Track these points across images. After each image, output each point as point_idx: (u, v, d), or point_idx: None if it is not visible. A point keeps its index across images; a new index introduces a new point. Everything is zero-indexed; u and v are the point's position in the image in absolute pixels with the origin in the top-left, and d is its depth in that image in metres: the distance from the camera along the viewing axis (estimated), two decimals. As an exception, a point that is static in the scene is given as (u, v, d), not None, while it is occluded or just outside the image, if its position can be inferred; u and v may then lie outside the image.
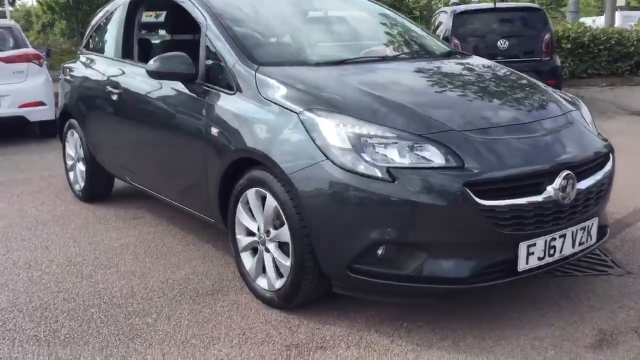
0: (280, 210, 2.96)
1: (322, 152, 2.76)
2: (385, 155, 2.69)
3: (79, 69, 5.09)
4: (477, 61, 3.94)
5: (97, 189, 5.14)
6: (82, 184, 5.13)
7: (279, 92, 3.10)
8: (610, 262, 3.62)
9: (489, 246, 2.70)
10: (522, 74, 3.79)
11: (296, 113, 2.93)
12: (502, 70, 3.80)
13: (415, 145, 2.71)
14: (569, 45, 12.17)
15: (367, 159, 2.68)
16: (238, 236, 3.33)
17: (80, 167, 5.13)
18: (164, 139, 3.86)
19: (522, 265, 2.76)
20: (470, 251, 2.70)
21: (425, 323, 2.96)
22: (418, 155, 2.70)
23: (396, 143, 2.72)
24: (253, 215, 3.21)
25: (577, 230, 2.92)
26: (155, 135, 3.96)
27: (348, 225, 2.70)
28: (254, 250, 3.28)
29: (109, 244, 4.19)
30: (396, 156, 2.69)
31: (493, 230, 2.65)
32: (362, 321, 3.00)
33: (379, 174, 2.65)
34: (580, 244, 2.96)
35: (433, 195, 2.60)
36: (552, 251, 2.83)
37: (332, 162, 2.73)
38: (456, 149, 2.71)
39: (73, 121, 5.10)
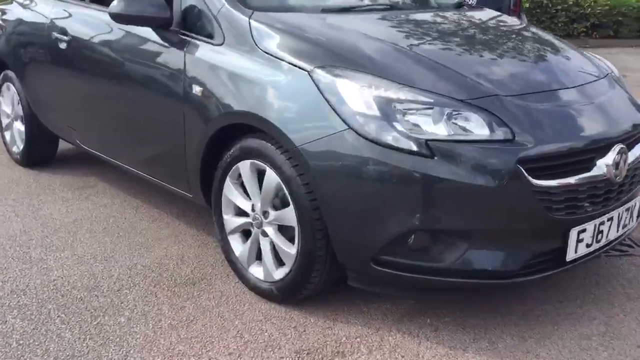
0: (285, 188, 2.45)
1: (342, 120, 2.26)
2: (419, 125, 2.22)
3: (15, 11, 4.33)
4: (495, 16, 3.47)
5: (39, 152, 4.46)
6: (21, 147, 4.43)
7: (282, 44, 2.56)
8: (628, 241, 3.31)
9: (539, 234, 2.30)
10: (547, 33, 3.36)
11: (306, 71, 2.40)
12: (531, 28, 3.35)
13: (455, 113, 2.25)
14: (527, 5, 11.90)
15: (400, 128, 2.20)
16: (225, 216, 2.80)
17: (19, 126, 4.41)
18: (128, 97, 3.24)
19: (570, 255, 2.38)
20: (517, 240, 2.28)
21: (452, 319, 2.55)
22: (458, 125, 2.24)
23: (432, 109, 2.25)
24: (246, 192, 2.69)
25: (622, 211, 2.55)
26: (116, 92, 3.33)
27: (375, 209, 2.23)
28: (246, 234, 2.77)
29: (59, 219, 3.57)
30: (433, 126, 2.22)
31: (545, 215, 2.24)
32: (379, 318, 2.57)
33: (415, 148, 2.17)
34: (623, 226, 2.60)
35: (480, 175, 2.16)
36: (599, 236, 2.46)
37: (356, 132, 2.23)
38: (504, 118, 2.26)
39: (9, 73, 4.35)
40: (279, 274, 2.59)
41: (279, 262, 2.62)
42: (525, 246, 2.29)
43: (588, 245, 2.42)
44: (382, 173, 2.20)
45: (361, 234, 2.29)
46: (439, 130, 2.21)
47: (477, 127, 2.23)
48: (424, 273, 2.28)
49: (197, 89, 2.76)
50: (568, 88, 2.57)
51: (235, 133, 2.68)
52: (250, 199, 2.68)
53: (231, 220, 2.78)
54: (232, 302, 2.68)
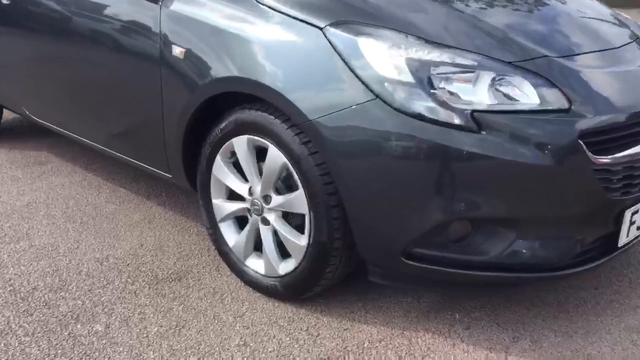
0: (293, 170, 2.07)
1: (367, 87, 1.87)
2: (460, 93, 1.86)
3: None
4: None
5: (-20, 125, 3.91)
6: (-42, 118, 3.87)
7: (287, -5, 2.13)
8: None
9: (593, 218, 1.99)
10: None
11: (319, 28, 1.99)
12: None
13: (501, 78, 1.89)
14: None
15: (439, 97, 1.84)
16: (215, 201, 2.40)
17: (-46, 95, 3.84)
18: (90, 60, 2.76)
19: (623, 239, 2.09)
20: (568, 227, 1.97)
21: (482, 314, 2.24)
22: (505, 92, 1.88)
23: (475, 74, 1.88)
24: (241, 173, 2.29)
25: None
26: (75, 54, 2.84)
27: (409, 194, 1.88)
28: (241, 221, 2.38)
29: (10, 204, 3.09)
30: (477, 94, 1.86)
31: (603, 196, 1.93)
32: (401, 315, 2.23)
33: (457, 120, 1.82)
34: (668, 205, 2.33)
35: (534, 152, 1.82)
36: (649, 217, 2.17)
37: (384, 102, 1.85)
38: (559, 84, 1.92)
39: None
40: (285, 268, 2.22)
41: (284, 255, 2.24)
42: (577, 233, 1.98)
43: (639, 228, 2.14)
44: (417, 151, 1.83)
45: (391, 224, 1.93)
46: (483, 98, 1.85)
47: (528, 95, 1.88)
48: (463, 267, 1.94)
49: (177, 51, 2.31)
50: (615, 48, 2.25)
51: (228, 103, 2.26)
52: (246, 180, 2.28)
53: (222, 206, 2.38)
54: (228, 301, 2.30)
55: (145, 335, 2.10)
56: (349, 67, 1.90)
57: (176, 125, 2.40)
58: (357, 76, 1.89)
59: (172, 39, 2.32)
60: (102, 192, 3.23)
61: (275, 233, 2.24)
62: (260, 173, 2.21)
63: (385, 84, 1.86)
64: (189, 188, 2.58)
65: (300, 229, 2.16)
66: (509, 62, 1.92)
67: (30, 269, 2.48)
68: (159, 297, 2.32)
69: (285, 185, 2.18)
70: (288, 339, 2.09)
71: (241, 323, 2.17)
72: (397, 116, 1.84)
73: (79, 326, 2.14)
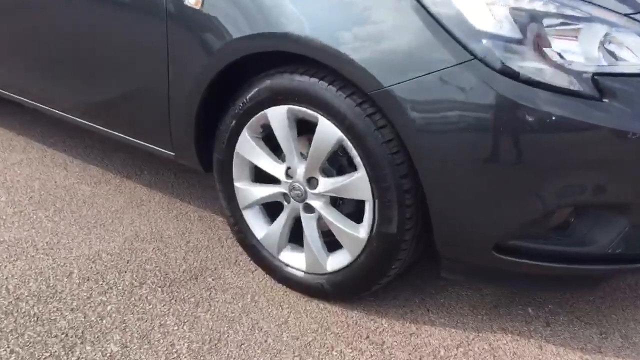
0: (352, 148, 1.69)
1: (462, 45, 1.51)
2: (575, 52, 1.53)
3: None
4: None
5: None
6: None
7: None
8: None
9: None
10: None
11: (392, -30, 1.60)
12: None
13: (613, 34, 1.57)
14: None
15: (551, 57, 1.50)
16: (238, 184, 1.99)
17: None
18: (66, 9, 2.24)
19: None
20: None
21: (557, 307, 1.98)
22: (614, 51, 1.57)
23: (584, 27, 1.56)
24: (276, 151, 1.90)
25: None
26: (49, 7, 2.31)
27: (510, 178, 1.54)
28: (270, 208, 1.99)
29: (-39, 189, 2.56)
30: (587, 52, 1.54)
31: None
32: (468, 312, 1.93)
33: (577, 86, 1.49)
34: None
35: (659, 123, 1.52)
36: None
37: (484, 63, 1.50)
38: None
39: None
40: (334, 263, 1.86)
41: (331, 247, 1.88)
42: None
43: None
44: (524, 124, 1.50)
45: (484, 213, 1.60)
46: (595, 58, 1.53)
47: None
48: (566, 261, 1.64)
49: (191, 0, 1.86)
50: None
51: (257, 66, 1.85)
52: (282, 160, 1.88)
53: (249, 190, 1.98)
54: (263, 304, 1.92)
55: (175, 355, 1.70)
56: (436, 20, 1.53)
57: (187, 94, 1.96)
58: (447, 32, 1.52)
59: (184, -14, 1.87)
60: (70, 171, 2.74)
61: (319, 222, 1.87)
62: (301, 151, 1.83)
63: (484, 41, 1.50)
64: (198, 168, 2.15)
65: (353, 217, 1.81)
66: (626, 15, 1.60)
67: (7, 274, 2.01)
68: (177, 302, 1.91)
69: (336, 166, 1.81)
70: (350, 350, 1.75)
71: (287, 332, 1.80)
72: (499, 81, 1.49)
73: (88, 347, 1.71)
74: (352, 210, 1.85)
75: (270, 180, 1.94)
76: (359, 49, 1.60)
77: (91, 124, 2.39)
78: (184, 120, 2.03)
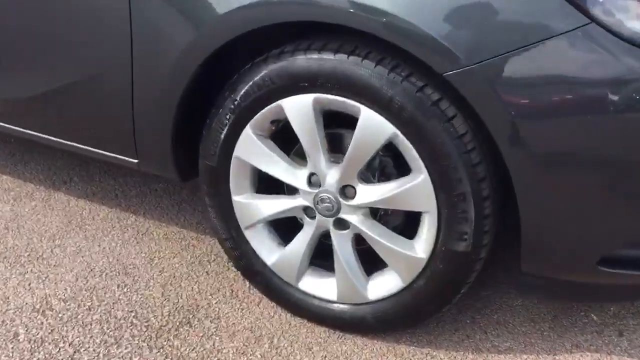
0: (409, 145, 1.30)
1: (575, 5, 1.14)
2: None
3: None
4: None
5: None
6: None
7: None
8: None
9: None
10: None
11: None
12: None
13: None
14: None
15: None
16: (238, 197, 1.54)
17: None
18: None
19: None
20: None
21: (618, 307, 1.71)
22: None
23: None
24: (292, 154, 1.47)
25: None
26: None
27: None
28: (279, 227, 1.56)
29: None
30: None
31: None
32: (534, 332, 1.61)
33: None
34: None
35: None
36: None
37: (606, 28, 1.14)
38: None
39: None
40: (378, 289, 1.48)
41: (370, 270, 1.49)
42: None
43: None
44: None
45: (600, 222, 1.26)
46: None
47: None
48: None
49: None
50: None
51: (259, 45, 1.40)
52: (304, 165, 1.45)
53: (254, 206, 1.53)
54: (287, 349, 1.51)
55: None
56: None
57: (163, 82, 1.47)
58: (552, -10, 1.15)
59: None
60: (32, 197, 2.13)
61: (355, 240, 1.47)
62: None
63: (606, 2, 1.14)
64: (172, 178, 1.66)
65: (409, 233, 1.43)
66: None
67: None
68: (169, 357, 1.45)
69: (378, 170, 1.42)
70: (419, 402, 1.38)
71: (332, 386, 1.40)
72: (626, 50, 1.14)
73: None
74: (398, 223, 1.46)
75: (288, 190, 1.51)
76: (433, 19, 1.19)
77: (15, 128, 1.80)
78: (156, 118, 1.53)
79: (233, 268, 1.75)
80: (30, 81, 1.68)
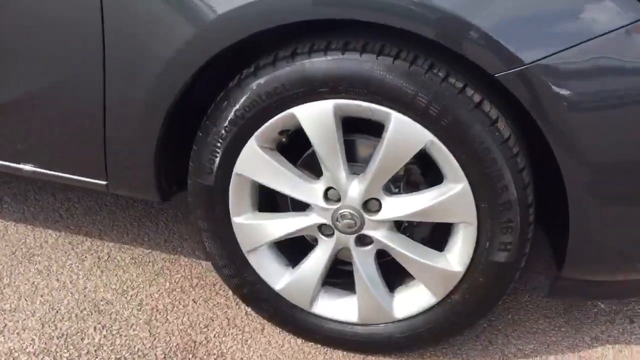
0: (448, 152, 1.17)
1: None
2: None
3: None
4: None
5: None
6: None
7: None
8: None
9: None
10: None
11: None
12: None
13: None
14: None
15: None
16: (238, 218, 1.35)
17: None
18: None
19: None
20: None
21: (619, 292, 1.70)
22: None
23: None
24: (297, 166, 1.30)
25: None
26: None
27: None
28: (283, 246, 1.39)
29: None
30: None
31: None
32: (546, 325, 1.56)
33: None
34: None
35: None
36: None
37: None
38: None
39: None
40: (405, 307, 1.36)
41: (396, 286, 1.37)
42: None
43: None
44: None
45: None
46: None
47: None
48: None
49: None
50: None
51: (264, 44, 1.21)
52: (318, 179, 1.29)
53: (259, 227, 1.35)
54: (310, 382, 1.35)
55: None
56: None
57: (148, 97, 1.25)
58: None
59: None
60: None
61: (379, 256, 1.34)
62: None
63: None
64: (150, 199, 1.44)
65: (442, 247, 1.31)
66: None
67: None
68: (189, 415, 1.26)
69: (407, 179, 1.29)
70: None
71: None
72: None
73: None
74: (425, 234, 1.34)
75: (297, 207, 1.34)
76: (486, 15, 1.06)
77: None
78: (136, 134, 1.30)
79: (221, 291, 1.57)
80: None
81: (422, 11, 1.07)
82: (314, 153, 1.28)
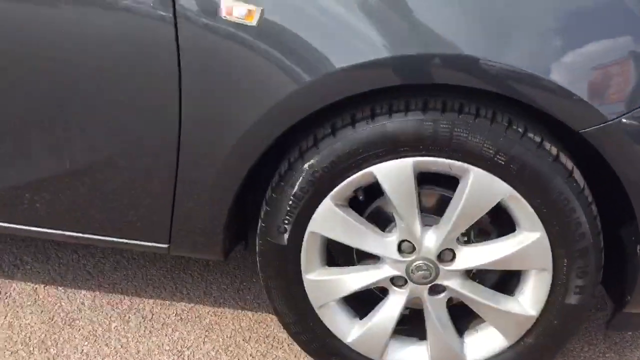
0: (526, 203, 1.22)
1: None
2: None
3: None
4: None
5: None
6: None
7: None
8: None
9: None
10: None
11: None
12: None
13: None
14: None
15: None
16: (311, 275, 1.35)
17: None
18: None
19: None
20: None
21: None
22: None
23: None
24: (378, 220, 1.32)
25: None
26: None
27: None
28: (351, 298, 1.40)
29: None
30: None
31: None
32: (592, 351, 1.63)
33: None
34: None
35: None
36: None
37: None
38: None
39: None
40: (477, 350, 1.39)
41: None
42: None
43: None
44: None
45: None
46: None
47: None
48: None
49: (240, 11, 1.12)
50: None
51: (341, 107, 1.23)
52: (391, 231, 1.31)
53: (332, 282, 1.36)
54: None
55: None
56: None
57: (220, 159, 1.24)
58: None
59: (219, -12, 1.11)
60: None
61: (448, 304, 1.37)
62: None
63: None
64: (214, 258, 1.42)
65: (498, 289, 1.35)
66: None
67: None
68: None
69: (475, 230, 1.32)
70: None
71: None
72: None
73: None
74: (495, 280, 1.38)
75: (368, 257, 1.35)
76: (572, 75, 1.11)
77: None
78: (208, 198, 1.29)
79: (276, 344, 1.56)
80: (33, 167, 1.32)
81: (517, 77, 1.11)
82: (378, 206, 1.31)
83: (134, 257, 1.84)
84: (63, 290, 1.70)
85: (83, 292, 1.70)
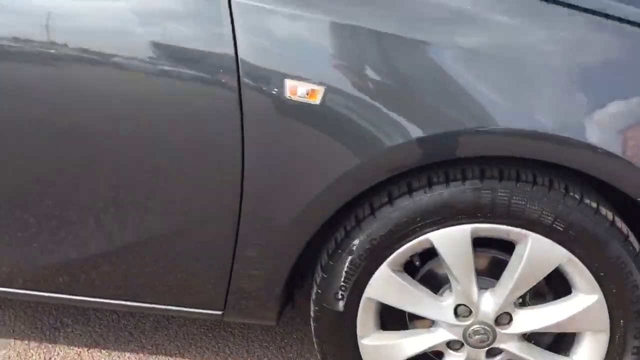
0: (583, 266, 1.24)
1: None
2: None
3: None
4: None
5: None
6: None
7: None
8: None
9: None
10: None
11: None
12: None
13: None
14: None
15: None
16: (366, 340, 1.36)
17: None
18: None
19: None
20: None
21: None
22: None
23: None
24: (431, 282, 1.33)
25: None
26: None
27: None
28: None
29: None
30: None
31: None
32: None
33: None
34: None
35: None
36: None
37: None
38: None
39: None
40: None
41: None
42: None
43: None
44: None
45: None
46: None
47: None
48: None
49: (303, 89, 1.14)
50: None
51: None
52: (442, 297, 1.32)
53: (389, 347, 1.36)
54: None
55: None
56: None
57: (283, 235, 1.25)
58: None
59: (283, 69, 1.14)
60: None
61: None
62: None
63: None
64: (268, 323, 1.43)
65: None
66: None
67: None
68: None
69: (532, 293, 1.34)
70: None
71: None
72: None
73: None
74: (550, 340, 1.39)
75: (420, 322, 1.36)
76: (629, 144, 1.13)
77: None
78: (267, 268, 1.30)
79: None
80: (98, 240, 1.33)
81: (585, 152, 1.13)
82: (431, 268, 1.32)
83: (172, 316, 1.84)
84: (107, 354, 1.70)
85: (127, 354, 1.70)
